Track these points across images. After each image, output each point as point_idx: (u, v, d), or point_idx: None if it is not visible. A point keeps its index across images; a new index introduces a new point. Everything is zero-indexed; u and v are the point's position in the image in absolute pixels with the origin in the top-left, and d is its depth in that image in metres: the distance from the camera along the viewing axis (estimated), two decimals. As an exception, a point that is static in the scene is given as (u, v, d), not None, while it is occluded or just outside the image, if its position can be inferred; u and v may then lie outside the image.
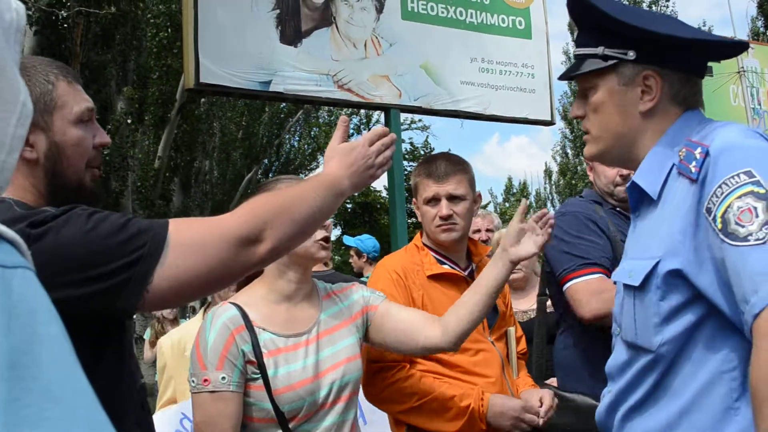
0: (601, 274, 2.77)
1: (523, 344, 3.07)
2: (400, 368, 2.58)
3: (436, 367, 2.63)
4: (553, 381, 3.26)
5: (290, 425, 2.14)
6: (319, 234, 2.26)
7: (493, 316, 2.83)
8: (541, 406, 2.61)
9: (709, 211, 1.51)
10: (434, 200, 2.75)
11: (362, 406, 3.42)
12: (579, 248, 2.86)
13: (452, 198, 2.75)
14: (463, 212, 2.76)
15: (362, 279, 5.28)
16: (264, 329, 2.20)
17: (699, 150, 1.59)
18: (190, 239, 1.49)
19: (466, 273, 2.80)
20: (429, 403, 2.53)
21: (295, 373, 2.16)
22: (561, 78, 1.96)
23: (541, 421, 2.59)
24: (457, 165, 2.81)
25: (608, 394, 1.86)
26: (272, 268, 2.28)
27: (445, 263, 2.80)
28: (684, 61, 1.78)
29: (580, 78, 1.86)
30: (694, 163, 1.59)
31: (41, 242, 1.36)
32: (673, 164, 1.70)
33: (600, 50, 1.79)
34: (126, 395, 1.65)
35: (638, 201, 1.83)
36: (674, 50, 1.76)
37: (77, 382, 0.63)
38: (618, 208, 3.09)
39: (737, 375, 1.56)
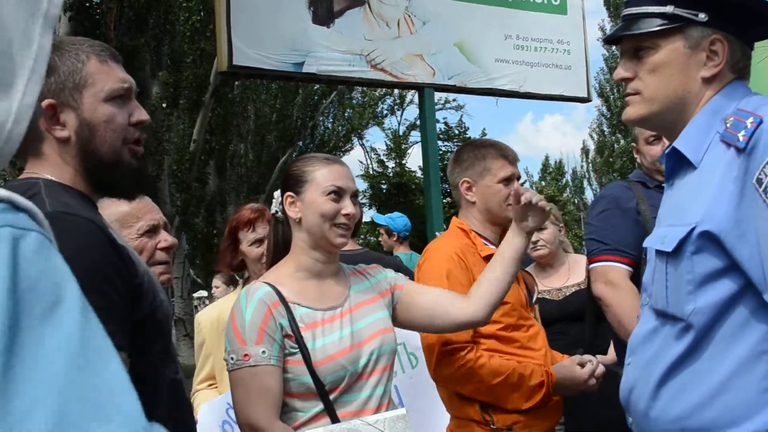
0: (618, 264, 2.92)
1: None
2: (471, 349, 2.65)
3: (496, 345, 2.71)
4: (604, 359, 3.33)
5: (330, 397, 2.14)
6: (340, 218, 2.24)
7: (530, 293, 2.95)
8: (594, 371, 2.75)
9: (759, 182, 1.46)
10: (509, 180, 2.84)
11: (399, 392, 3.41)
12: (602, 233, 3.01)
13: (518, 179, 2.89)
14: None
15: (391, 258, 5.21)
16: (298, 304, 2.20)
17: (751, 120, 1.53)
18: None
19: None
20: (503, 382, 2.62)
21: (333, 344, 2.17)
22: (609, 38, 1.86)
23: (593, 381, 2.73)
24: None
25: (628, 367, 1.81)
26: (298, 247, 2.29)
27: (489, 245, 2.85)
28: (750, 30, 1.73)
29: (635, 38, 1.78)
30: (743, 132, 1.53)
31: None
32: (717, 132, 1.65)
33: (669, 9, 1.71)
34: (150, 392, 1.62)
35: (674, 168, 1.78)
36: (745, 17, 1.70)
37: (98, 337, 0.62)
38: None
39: None
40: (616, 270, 2.90)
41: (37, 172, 1.61)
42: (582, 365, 2.75)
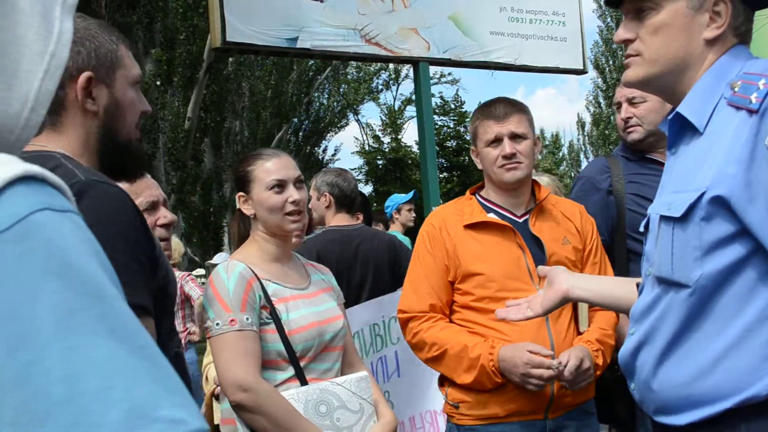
0: None
1: None
2: (427, 318, 2.67)
3: (472, 315, 2.64)
4: None
5: (301, 364, 2.36)
6: (288, 207, 2.44)
7: (540, 259, 2.65)
8: (564, 364, 2.45)
9: None
10: (496, 141, 2.70)
11: (399, 360, 3.44)
12: None
13: (514, 137, 2.69)
14: (526, 151, 2.70)
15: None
16: (269, 281, 2.43)
17: (763, 81, 1.51)
18: None
19: (521, 219, 2.74)
20: (445, 353, 2.61)
21: (304, 317, 2.40)
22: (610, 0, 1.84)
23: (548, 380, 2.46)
24: (516, 105, 2.78)
25: (631, 336, 1.80)
26: (258, 235, 2.51)
27: (493, 211, 2.75)
28: None
29: None
30: (755, 94, 1.51)
31: None
32: (722, 96, 1.62)
33: None
34: None
35: (678, 134, 1.75)
36: None
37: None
38: (648, 155, 3.16)
39: None
40: None
41: (48, 145, 1.61)
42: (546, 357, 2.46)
